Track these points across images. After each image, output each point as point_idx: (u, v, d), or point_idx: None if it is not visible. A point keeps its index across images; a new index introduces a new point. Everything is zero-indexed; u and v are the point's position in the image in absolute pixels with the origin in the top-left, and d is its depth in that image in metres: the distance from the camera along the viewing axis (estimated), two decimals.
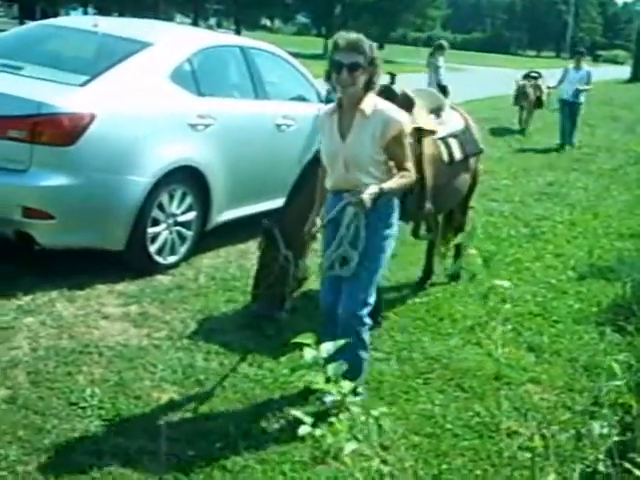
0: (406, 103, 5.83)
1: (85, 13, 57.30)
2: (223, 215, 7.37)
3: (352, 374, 4.10)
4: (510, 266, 7.73)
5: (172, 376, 4.93)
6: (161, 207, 6.60)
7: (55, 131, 5.91)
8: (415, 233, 6.74)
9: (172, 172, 6.57)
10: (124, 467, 3.98)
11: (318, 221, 4.64)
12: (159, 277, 6.57)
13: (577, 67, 16.47)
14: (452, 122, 6.36)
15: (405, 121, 4.44)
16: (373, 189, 4.19)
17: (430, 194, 5.91)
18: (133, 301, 6.04)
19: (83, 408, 4.45)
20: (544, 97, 18.33)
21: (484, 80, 33.77)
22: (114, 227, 6.35)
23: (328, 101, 6.54)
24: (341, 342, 2.53)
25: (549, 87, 18.00)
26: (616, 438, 3.44)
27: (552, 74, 19.42)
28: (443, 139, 6.12)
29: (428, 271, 7.03)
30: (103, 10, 54.28)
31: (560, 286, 7.27)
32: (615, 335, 6.02)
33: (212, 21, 73.76)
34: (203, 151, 6.89)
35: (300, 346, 2.49)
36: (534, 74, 19.08)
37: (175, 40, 7.43)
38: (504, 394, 5.04)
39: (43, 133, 5.88)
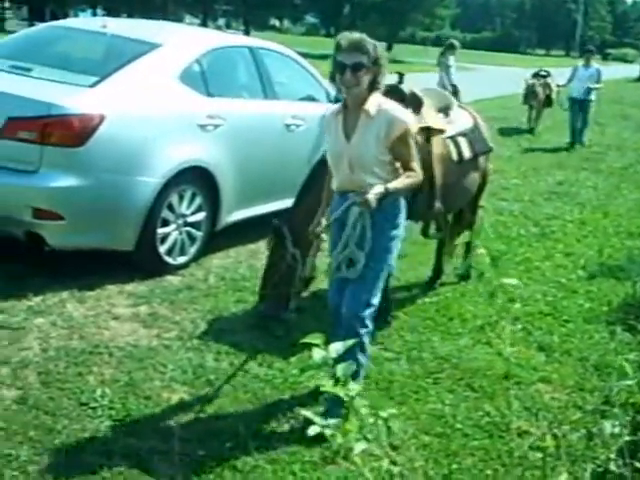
0: (414, 102, 5.84)
1: (94, 14, 57.45)
2: (233, 215, 7.38)
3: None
4: (520, 265, 7.71)
5: (182, 376, 4.94)
6: (171, 208, 6.61)
7: (65, 132, 5.93)
8: (425, 232, 6.74)
9: (182, 172, 6.58)
10: (135, 467, 3.98)
11: (323, 221, 4.64)
12: (169, 278, 6.58)
13: (586, 65, 16.43)
14: (461, 121, 6.35)
15: (410, 121, 4.42)
16: (378, 189, 4.16)
17: (440, 193, 5.91)
18: (143, 302, 6.05)
19: (93, 408, 4.46)
20: (553, 96, 18.28)
21: (493, 79, 33.72)
22: (124, 228, 6.36)
23: (337, 101, 6.54)
24: (350, 342, 2.53)
25: (559, 85, 17.95)
26: (627, 437, 3.43)
27: (561, 73, 19.37)
28: (452, 138, 6.12)
29: (438, 270, 7.02)
30: (112, 11, 54.46)
31: (570, 285, 7.26)
32: (626, 334, 6.01)
33: (221, 22, 73.82)
34: (212, 151, 6.90)
35: (309, 346, 2.49)
36: (543, 73, 19.02)
37: (184, 41, 7.44)
38: (514, 394, 5.03)
39: (53, 134, 5.90)
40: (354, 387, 2.35)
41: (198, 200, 6.87)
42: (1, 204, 5.98)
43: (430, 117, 5.91)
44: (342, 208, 4.36)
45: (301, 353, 5.16)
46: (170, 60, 6.89)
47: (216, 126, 6.94)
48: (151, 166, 6.36)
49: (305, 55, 9.63)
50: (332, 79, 4.34)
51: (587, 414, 4.81)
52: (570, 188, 12.00)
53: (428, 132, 5.82)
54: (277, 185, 7.57)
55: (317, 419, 2.38)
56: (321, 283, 6.03)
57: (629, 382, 4.21)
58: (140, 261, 6.53)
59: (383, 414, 2.45)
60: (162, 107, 6.62)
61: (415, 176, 4.38)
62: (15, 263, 6.33)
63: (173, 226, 6.67)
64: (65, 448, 4.09)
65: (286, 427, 4.47)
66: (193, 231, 6.89)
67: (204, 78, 7.08)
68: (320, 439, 4.03)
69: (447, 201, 6.04)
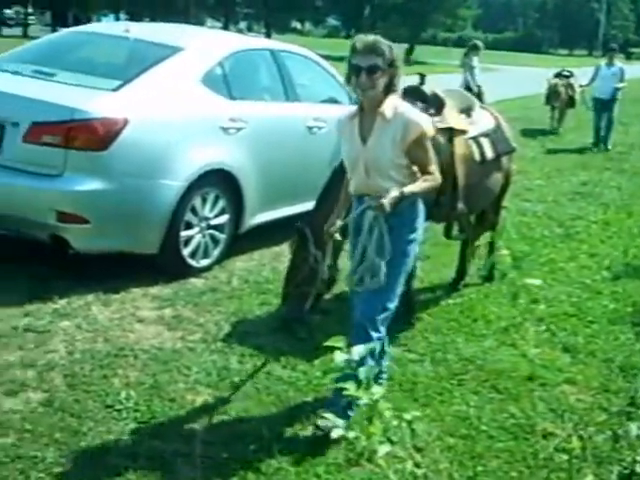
0: (436, 103, 5.83)
1: (117, 19, 57.78)
2: (256, 218, 7.39)
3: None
4: (544, 266, 7.67)
5: (206, 379, 4.95)
6: (194, 211, 6.63)
7: (89, 136, 5.97)
8: (448, 234, 6.72)
9: (205, 175, 6.60)
10: (159, 470, 4.00)
11: (338, 222, 4.61)
12: (193, 280, 6.61)
13: (609, 64, 16.32)
14: (483, 121, 6.33)
15: (426, 124, 4.34)
16: (393, 193, 4.11)
17: (462, 194, 5.89)
18: (167, 304, 6.08)
19: (119, 411, 4.49)
20: (576, 96, 18.17)
21: (516, 79, 33.57)
22: (148, 231, 6.39)
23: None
24: (372, 345, 2.53)
25: (582, 85, 17.81)
26: None
27: (584, 72, 19.26)
28: (474, 138, 6.10)
29: (461, 272, 7.00)
30: (134, 15, 54.70)
31: (595, 286, 7.21)
32: None
33: (242, 25, 74.07)
34: (235, 154, 6.92)
35: (332, 349, 2.49)
36: (566, 73, 18.91)
37: (206, 44, 7.46)
38: (539, 395, 5.01)
39: (77, 138, 5.94)
40: (377, 390, 2.35)
41: (221, 203, 6.89)
42: (26, 207, 6.03)
43: (452, 118, 5.89)
44: (357, 212, 4.34)
45: (324, 355, 5.16)
46: (192, 64, 6.92)
47: (238, 129, 6.96)
48: (174, 169, 6.38)
49: (326, 57, 9.63)
50: (348, 82, 4.31)
51: (613, 415, 4.79)
52: (594, 188, 11.93)
53: (450, 133, 5.81)
54: (300, 187, 7.58)
55: (340, 421, 2.38)
56: (344, 285, 6.03)
57: None
58: (164, 264, 6.56)
59: (407, 416, 2.45)
60: (185, 110, 6.65)
61: (432, 179, 4.32)
62: (40, 266, 6.37)
63: (196, 229, 6.69)
64: (90, 450, 4.11)
65: (310, 429, 4.47)
66: (216, 234, 6.91)
67: (226, 81, 7.10)
68: (344, 441, 4.04)
69: (470, 202, 6.03)
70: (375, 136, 4.26)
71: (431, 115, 5.72)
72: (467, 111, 6.21)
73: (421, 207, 4.43)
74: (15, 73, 6.84)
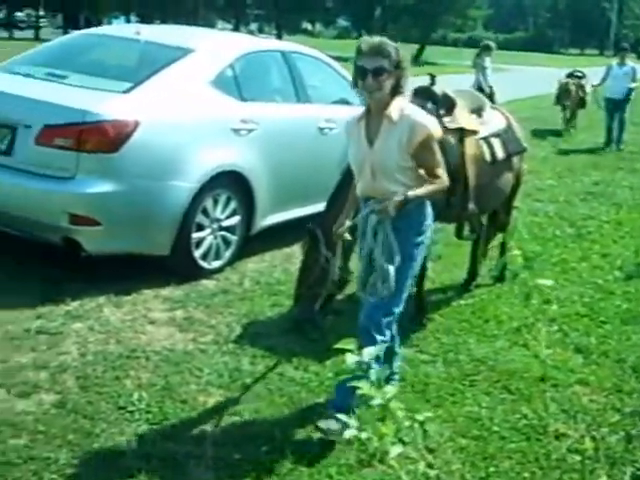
0: (447, 104, 5.82)
1: (128, 21, 57.91)
2: (267, 219, 7.40)
3: (349, 394, 4.06)
4: (556, 266, 7.66)
5: (218, 380, 4.96)
6: (205, 212, 6.64)
7: (100, 138, 5.99)
8: (459, 234, 6.71)
9: (216, 177, 6.61)
10: (172, 471, 4.01)
11: (347, 223, 4.60)
12: (204, 282, 6.62)
13: (621, 64, 16.24)
14: (494, 122, 6.31)
15: (433, 126, 4.26)
16: (398, 197, 4.08)
17: (473, 194, 5.88)
18: (179, 306, 6.09)
19: (131, 412, 4.50)
20: (588, 98, 18.09)
21: (527, 79, 33.50)
22: (159, 233, 6.40)
23: None
24: (383, 346, 2.53)
25: (593, 85, 17.72)
26: None
27: (595, 72, 19.19)
28: (485, 139, 6.09)
29: (473, 272, 6.99)
30: (145, 17, 54.85)
31: (607, 286, 7.19)
32: None
33: (253, 26, 74.13)
34: (246, 156, 6.93)
35: (344, 351, 2.49)
36: (578, 74, 18.84)
37: (217, 46, 7.48)
38: (551, 396, 5.00)
39: (88, 141, 5.96)
40: (390, 390, 2.35)
41: (233, 204, 6.90)
42: (38, 210, 6.05)
43: (463, 118, 5.89)
44: (361, 216, 4.32)
45: (336, 357, 5.16)
46: (203, 65, 6.93)
47: (250, 130, 6.97)
48: (185, 171, 6.39)
49: (337, 58, 9.64)
50: (354, 85, 4.25)
51: (626, 416, 4.77)
52: (606, 188, 11.90)
53: (461, 133, 5.80)
54: (311, 188, 7.58)
55: (353, 422, 2.38)
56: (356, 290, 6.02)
57: None
58: (175, 266, 6.57)
59: (419, 417, 2.44)
60: (196, 112, 6.66)
61: (439, 183, 4.27)
62: (52, 268, 6.40)
63: (208, 230, 6.70)
64: (103, 452, 4.12)
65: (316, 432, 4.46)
66: (228, 235, 6.92)
67: (237, 83, 7.11)
68: (356, 442, 4.04)
69: (481, 202, 6.02)
70: (381, 139, 4.22)
71: (442, 115, 5.72)
72: (478, 111, 6.21)
73: (429, 210, 4.40)
74: (27, 76, 6.88)
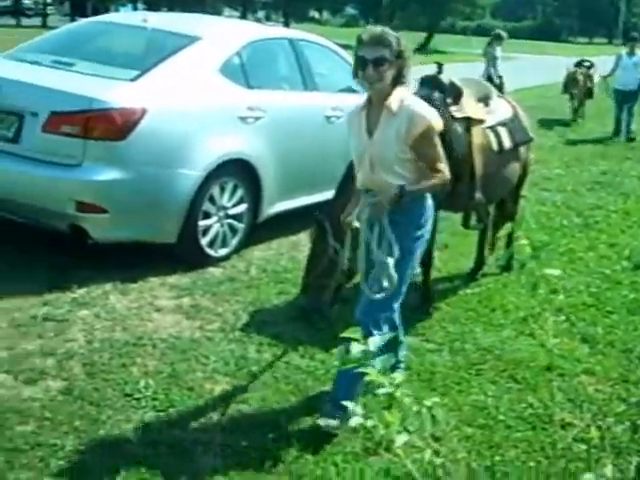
0: (454, 92, 5.81)
1: (135, 9, 57.79)
2: (274, 207, 7.39)
3: (349, 389, 4.05)
4: (563, 256, 7.64)
5: (224, 368, 4.97)
6: (212, 200, 6.64)
7: (107, 126, 5.99)
8: (466, 223, 6.70)
9: (223, 165, 6.61)
10: (178, 458, 4.02)
11: (355, 211, 4.57)
12: (211, 269, 6.62)
13: (631, 53, 16.12)
14: (500, 111, 6.29)
15: (433, 118, 4.16)
16: (393, 190, 4.04)
17: (480, 184, 5.87)
18: (185, 293, 6.10)
19: (137, 399, 4.51)
20: (595, 88, 17.99)
21: (534, 68, 33.37)
22: (166, 220, 6.41)
23: None
24: (390, 335, 2.53)
25: (603, 76, 17.56)
26: None
27: (604, 61, 19.11)
28: (492, 128, 6.07)
29: (479, 262, 6.98)
30: (152, 5, 54.73)
31: (614, 276, 7.17)
32: None
33: (260, 14, 73.89)
34: (253, 143, 6.92)
35: (349, 340, 2.49)
36: (586, 63, 18.74)
37: (224, 34, 7.47)
38: (557, 385, 4.99)
39: (95, 128, 5.97)
40: (397, 376, 2.35)
41: (239, 192, 6.90)
42: (45, 197, 6.06)
43: (470, 107, 5.87)
44: (358, 210, 4.27)
45: (343, 345, 5.15)
46: (210, 53, 6.92)
47: (257, 118, 6.96)
48: (192, 159, 6.39)
49: (344, 46, 9.60)
50: (355, 75, 4.18)
51: (632, 406, 4.77)
52: (614, 178, 11.85)
53: (468, 122, 5.79)
54: (318, 177, 7.57)
55: (358, 410, 2.38)
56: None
57: None
58: (182, 253, 6.57)
59: (427, 403, 2.44)
60: (203, 100, 6.66)
61: (439, 178, 4.18)
62: (59, 256, 6.40)
63: (215, 218, 6.70)
64: (110, 438, 4.14)
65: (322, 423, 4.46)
66: (235, 223, 6.92)
67: (244, 70, 7.10)
68: (362, 430, 4.05)
69: (488, 191, 6.01)
70: (380, 129, 4.16)
71: (449, 104, 5.71)
72: (485, 100, 6.19)
73: (429, 203, 4.33)
74: (34, 63, 6.88)
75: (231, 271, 6.65)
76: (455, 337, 5.68)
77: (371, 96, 4.24)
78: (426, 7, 60.92)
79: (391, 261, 4.12)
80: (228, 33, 7.55)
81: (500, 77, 16.65)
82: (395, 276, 4.14)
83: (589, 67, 18.51)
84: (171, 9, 49.67)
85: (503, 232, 7.17)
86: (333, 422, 4.24)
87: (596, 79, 17.94)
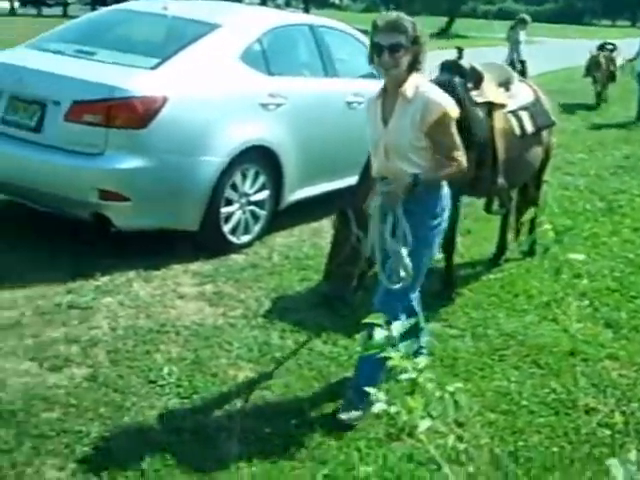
0: (475, 77, 5.78)
1: None
2: (296, 194, 7.39)
3: (371, 377, 4.03)
4: (587, 241, 7.59)
5: (248, 354, 4.99)
6: (234, 187, 6.65)
7: (129, 114, 6.01)
8: (488, 209, 6.67)
9: (244, 152, 6.61)
10: (202, 445, 4.04)
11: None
12: (233, 256, 6.64)
13: None
14: (522, 95, 6.25)
15: (449, 105, 4.09)
16: (407, 179, 4.00)
17: (502, 168, 5.84)
18: (208, 280, 6.12)
19: (161, 386, 4.54)
20: (619, 71, 17.80)
21: (557, 52, 33.11)
22: (188, 208, 6.43)
23: None
24: (412, 320, 2.53)
25: (629, 60, 17.35)
26: None
27: (629, 44, 18.91)
28: (514, 112, 6.03)
29: (502, 247, 6.96)
30: None
31: (638, 261, 7.12)
32: None
33: (280, 1, 73.72)
34: (275, 130, 6.92)
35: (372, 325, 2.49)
36: (609, 46, 18.56)
37: (244, 21, 7.46)
38: (581, 370, 4.97)
39: (117, 117, 5.98)
40: (422, 361, 2.35)
41: (261, 179, 6.91)
42: (68, 186, 6.09)
43: (491, 92, 5.84)
44: (372, 201, 4.22)
45: (365, 331, 5.16)
46: (231, 40, 6.92)
47: (278, 105, 6.96)
48: (214, 146, 6.40)
49: (365, 31, 9.53)
50: (370, 61, 4.14)
51: None
52: (637, 162, 11.74)
53: (489, 107, 5.76)
54: (339, 163, 7.56)
55: (381, 396, 2.38)
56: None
57: None
58: (205, 241, 6.59)
59: (449, 388, 2.44)
60: (224, 87, 6.66)
61: (456, 167, 4.11)
62: (82, 244, 6.44)
63: (237, 205, 6.72)
64: (134, 425, 4.17)
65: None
66: (257, 210, 6.93)
67: (265, 57, 7.10)
68: (385, 416, 4.05)
69: (510, 176, 5.97)
70: (396, 117, 4.11)
71: (470, 89, 5.68)
72: (505, 84, 6.15)
73: (445, 192, 4.26)
74: (56, 52, 6.91)
75: (253, 258, 6.67)
76: (478, 323, 5.66)
77: (386, 83, 4.20)
78: None
79: (405, 251, 4.07)
80: (248, 20, 7.54)
81: (523, 62, 16.52)
82: (410, 265, 4.08)
83: (612, 50, 18.32)
84: None
85: (526, 217, 7.12)
86: (355, 413, 4.24)
87: (619, 62, 17.76)
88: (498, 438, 4.20)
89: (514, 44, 16.96)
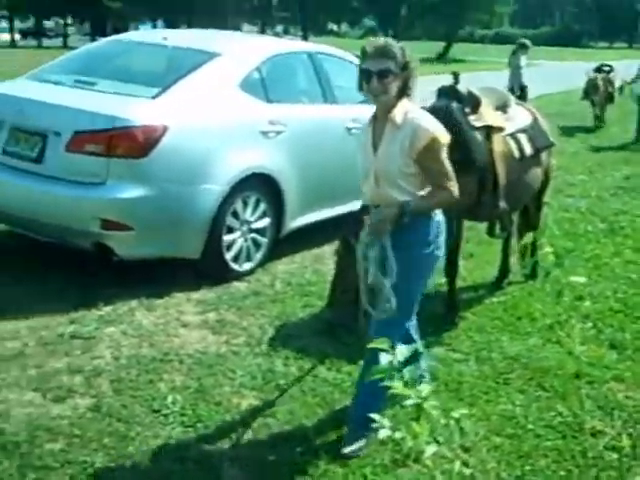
0: (472, 101, 5.80)
1: (154, 27, 58.27)
2: (297, 220, 7.40)
3: (370, 404, 4.00)
4: (588, 262, 7.59)
5: (251, 382, 4.97)
6: (235, 215, 6.66)
7: (130, 144, 6.03)
8: (490, 232, 6.67)
9: (245, 180, 6.63)
10: (207, 473, 4.02)
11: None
12: (235, 284, 6.64)
13: None
14: (519, 117, 6.27)
15: (438, 131, 4.01)
16: (393, 210, 3.95)
17: (503, 192, 5.85)
18: (211, 308, 6.11)
19: (165, 415, 4.52)
20: (616, 93, 17.86)
21: (554, 74, 33.28)
22: (190, 236, 6.43)
23: None
24: (417, 345, 2.52)
25: (628, 82, 17.39)
26: None
27: (626, 66, 18.97)
28: (512, 135, 6.05)
29: (505, 270, 6.96)
30: (171, 23, 55.15)
31: None
32: None
33: (279, 28, 74.28)
34: (275, 157, 6.94)
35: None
36: (606, 68, 18.64)
37: (243, 49, 7.50)
38: (587, 393, 4.95)
39: (118, 146, 6.01)
40: (424, 388, 2.34)
41: (262, 206, 6.92)
42: (70, 216, 6.10)
43: (489, 115, 5.86)
44: (362, 233, 4.15)
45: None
46: (230, 69, 6.95)
47: (278, 132, 6.98)
48: (214, 174, 6.42)
49: None
50: (360, 88, 4.10)
51: None
52: (638, 182, 11.76)
53: (488, 130, 5.77)
54: (340, 189, 7.57)
55: (386, 422, 2.37)
56: None
57: None
58: (207, 269, 6.60)
59: (455, 414, 2.44)
60: (224, 115, 6.68)
61: (445, 197, 4.05)
62: (84, 274, 6.44)
63: (238, 233, 6.72)
64: (139, 455, 4.15)
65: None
66: (258, 237, 6.94)
67: (264, 85, 7.13)
68: (391, 442, 4.03)
69: (511, 199, 5.98)
70: (385, 143, 4.06)
71: (468, 114, 5.70)
72: (503, 108, 6.17)
73: (438, 219, 4.17)
74: (56, 83, 6.95)
75: (256, 285, 6.67)
76: (482, 346, 5.65)
77: (376, 110, 4.17)
78: (444, 16, 61.00)
79: (388, 283, 4.02)
80: (247, 48, 7.58)
81: (524, 87, 16.53)
82: (393, 299, 4.01)
83: (609, 72, 18.40)
84: (190, 26, 50.02)
85: (525, 240, 7.11)
86: (359, 443, 4.21)
87: (617, 83, 17.81)
88: (504, 463, 4.18)
89: (515, 69, 16.97)
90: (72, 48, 15.33)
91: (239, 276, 6.75)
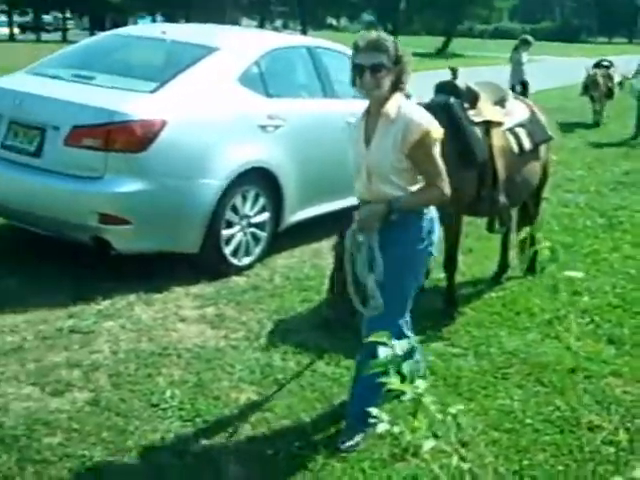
0: (470, 96, 5.79)
1: (153, 21, 58.22)
2: (296, 215, 7.40)
3: (367, 399, 4.00)
4: (587, 257, 7.59)
5: (250, 376, 4.97)
6: (234, 209, 6.66)
7: (128, 138, 6.03)
8: (490, 228, 6.67)
9: (244, 174, 6.63)
10: (205, 467, 4.03)
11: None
12: (234, 278, 6.64)
13: None
14: (518, 112, 6.26)
15: (431, 125, 3.94)
16: (379, 207, 3.93)
17: (503, 187, 5.85)
18: (209, 303, 6.11)
19: (164, 409, 4.52)
20: (615, 88, 17.83)
21: (554, 70, 33.25)
22: (188, 231, 6.43)
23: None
24: (416, 338, 2.52)
25: (627, 78, 17.35)
26: None
27: (626, 62, 18.95)
28: (511, 130, 6.04)
29: (504, 265, 6.96)
30: (170, 17, 55.10)
31: (639, 276, 7.12)
32: None
33: (278, 23, 74.23)
34: (274, 152, 6.94)
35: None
36: (605, 63, 18.61)
37: (242, 43, 7.49)
38: (584, 388, 4.96)
39: (116, 140, 6.00)
40: (421, 384, 2.34)
41: (261, 201, 6.92)
42: (68, 210, 6.10)
43: (488, 110, 5.86)
44: (349, 231, 4.13)
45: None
46: (229, 63, 6.94)
47: (277, 127, 6.97)
48: (213, 168, 6.42)
49: None
50: (353, 83, 4.05)
51: None
52: (637, 178, 11.76)
53: (487, 125, 5.77)
54: (339, 184, 7.54)
55: (385, 417, 2.37)
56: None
57: None
58: (206, 263, 6.59)
59: (452, 410, 2.44)
60: (222, 110, 6.68)
61: (436, 194, 4.00)
62: (83, 268, 6.44)
63: (237, 227, 6.72)
64: (137, 449, 4.15)
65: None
66: (257, 232, 6.93)
67: (263, 79, 7.12)
68: (389, 436, 4.04)
69: (510, 194, 5.98)
70: (378, 137, 4.01)
71: (466, 109, 5.70)
72: (501, 102, 6.16)
73: (430, 216, 4.12)
74: (55, 77, 6.95)
75: (255, 280, 6.67)
76: (480, 341, 5.65)
77: (369, 105, 4.11)
78: (443, 11, 60.93)
79: (373, 281, 4.00)
80: (246, 43, 7.58)
81: (525, 83, 16.49)
82: (379, 297, 3.99)
83: (608, 67, 18.37)
84: (189, 20, 49.98)
85: (521, 235, 7.11)
86: (356, 439, 4.21)
87: (616, 78, 17.78)
88: (502, 457, 4.18)
89: (516, 65, 16.91)
90: (71, 42, 15.31)
91: (238, 270, 6.75)
